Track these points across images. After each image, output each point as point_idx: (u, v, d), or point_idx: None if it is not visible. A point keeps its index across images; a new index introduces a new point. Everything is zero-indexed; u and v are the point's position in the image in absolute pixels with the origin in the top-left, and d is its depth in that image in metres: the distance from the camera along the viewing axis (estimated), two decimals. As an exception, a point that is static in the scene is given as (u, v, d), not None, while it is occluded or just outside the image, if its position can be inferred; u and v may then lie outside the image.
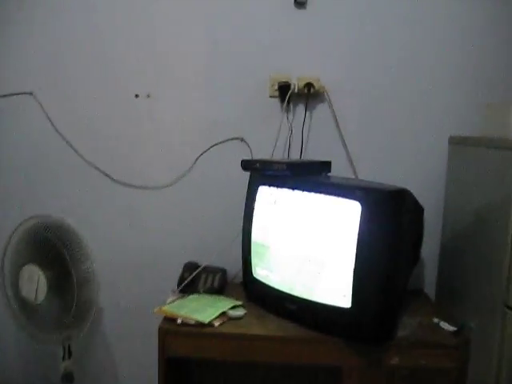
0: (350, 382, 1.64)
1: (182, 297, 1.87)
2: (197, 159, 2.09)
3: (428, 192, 1.98)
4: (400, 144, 2.06)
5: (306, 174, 1.73)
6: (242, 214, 1.88)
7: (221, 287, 1.97)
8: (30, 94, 2.09)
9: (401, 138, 2.05)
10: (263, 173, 1.77)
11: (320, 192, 1.63)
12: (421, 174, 2.04)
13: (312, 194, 1.65)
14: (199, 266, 2.00)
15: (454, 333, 1.67)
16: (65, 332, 1.91)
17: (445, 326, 1.71)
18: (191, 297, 1.87)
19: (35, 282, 1.80)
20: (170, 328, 1.67)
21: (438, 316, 1.77)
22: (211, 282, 1.98)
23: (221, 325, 1.68)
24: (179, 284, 1.95)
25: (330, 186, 1.67)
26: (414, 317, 1.78)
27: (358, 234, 1.53)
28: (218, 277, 2.00)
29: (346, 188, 1.61)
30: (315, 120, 2.05)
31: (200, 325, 1.66)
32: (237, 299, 1.87)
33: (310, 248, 1.65)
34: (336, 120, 2.03)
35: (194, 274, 1.96)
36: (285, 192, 1.72)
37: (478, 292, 1.70)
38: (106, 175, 2.12)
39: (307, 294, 1.66)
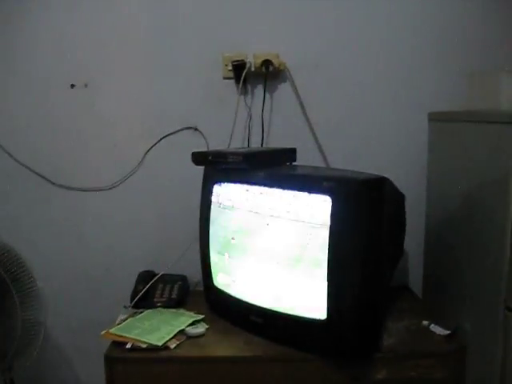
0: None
1: (135, 314, 1.62)
2: (145, 154, 1.84)
3: (408, 177, 1.75)
4: (374, 125, 1.82)
5: (267, 166, 1.48)
6: (197, 214, 1.64)
7: (180, 299, 1.72)
8: None
9: (375, 118, 1.82)
10: (217, 167, 1.52)
11: (283, 187, 1.39)
12: (399, 158, 1.82)
13: (274, 189, 1.41)
14: (153, 275, 1.76)
15: (446, 337, 1.45)
16: (7, 363, 1.66)
17: (436, 329, 1.49)
18: (146, 313, 1.62)
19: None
20: (119, 355, 1.42)
21: (427, 317, 1.55)
22: (169, 293, 1.73)
23: (177, 346, 1.44)
24: (132, 298, 1.70)
25: (293, 178, 1.43)
26: (400, 320, 1.56)
27: (330, 233, 1.29)
28: (176, 287, 1.76)
29: (312, 180, 1.37)
30: (277, 102, 1.80)
31: (153, 348, 1.41)
32: (198, 311, 1.63)
33: (275, 252, 1.42)
34: (300, 101, 1.79)
35: (148, 286, 1.71)
36: (244, 188, 1.48)
37: (472, 289, 1.49)
38: (44, 178, 1.85)
39: (274, 304, 1.43)
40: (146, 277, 1.77)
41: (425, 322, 1.52)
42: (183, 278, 1.81)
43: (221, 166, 1.50)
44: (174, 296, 1.72)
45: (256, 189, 1.45)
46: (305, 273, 1.36)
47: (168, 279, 1.78)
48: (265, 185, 1.42)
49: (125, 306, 1.68)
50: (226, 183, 1.53)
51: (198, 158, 1.53)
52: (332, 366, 1.38)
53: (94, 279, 1.91)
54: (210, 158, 1.50)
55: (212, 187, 1.57)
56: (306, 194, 1.34)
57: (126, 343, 1.44)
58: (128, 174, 1.85)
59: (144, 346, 1.42)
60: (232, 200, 1.52)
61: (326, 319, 1.32)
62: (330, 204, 1.29)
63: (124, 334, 1.47)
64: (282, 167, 1.53)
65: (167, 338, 1.44)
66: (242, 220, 1.50)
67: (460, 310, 1.55)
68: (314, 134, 1.80)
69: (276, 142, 1.79)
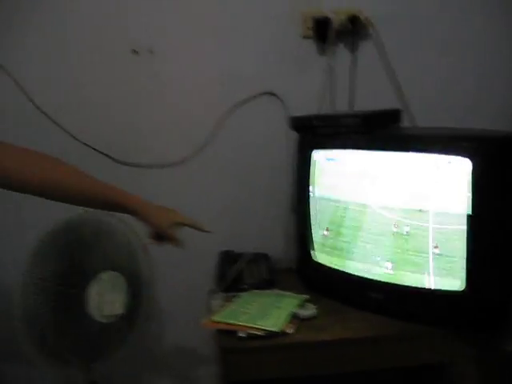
0: (463, 378, 1.32)
1: (228, 298, 1.49)
2: (217, 125, 1.68)
3: None
4: (467, 84, 1.68)
5: (378, 128, 1.35)
6: (278, 186, 1.62)
7: (272, 278, 1.60)
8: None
9: (469, 76, 1.68)
10: (321, 132, 1.39)
11: (408, 149, 1.26)
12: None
13: (397, 153, 1.28)
14: (237, 255, 1.63)
15: None
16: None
17: None
18: (243, 297, 1.49)
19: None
20: (234, 345, 1.28)
21: None
22: (258, 272, 1.60)
23: (296, 331, 1.31)
24: (220, 281, 1.57)
25: (420, 140, 1.30)
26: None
27: (471, 199, 1.18)
28: (263, 265, 1.63)
29: (446, 140, 1.25)
30: (361, 62, 1.65)
31: (271, 335, 1.28)
32: (293, 291, 1.50)
33: (400, 218, 1.30)
34: (388, 61, 1.64)
35: (240, 265, 1.58)
36: (355, 154, 1.35)
37: None
38: (105, 155, 1.67)
39: (397, 277, 1.32)
40: (228, 257, 1.64)
41: None
42: (265, 257, 1.68)
43: (327, 131, 1.36)
44: (265, 276, 1.59)
45: (373, 154, 1.32)
46: (435, 241, 1.25)
47: (249, 258, 1.65)
48: (384, 149, 1.30)
49: (214, 291, 1.55)
50: (328, 149, 1.40)
51: (299, 123, 1.39)
52: (462, 341, 1.28)
53: (165, 265, 1.75)
54: (313, 122, 1.36)
55: (310, 155, 1.43)
56: (439, 156, 1.21)
57: (235, 331, 1.30)
58: (198, 147, 1.69)
59: (260, 333, 1.29)
60: (339, 166, 1.39)
61: (464, 291, 1.22)
62: (471, 167, 1.17)
63: (232, 322, 1.33)
64: (390, 129, 1.40)
65: (283, 323, 1.32)
66: (353, 190, 1.37)
67: None
68: (401, 96, 1.65)
69: (361, 106, 1.64)
